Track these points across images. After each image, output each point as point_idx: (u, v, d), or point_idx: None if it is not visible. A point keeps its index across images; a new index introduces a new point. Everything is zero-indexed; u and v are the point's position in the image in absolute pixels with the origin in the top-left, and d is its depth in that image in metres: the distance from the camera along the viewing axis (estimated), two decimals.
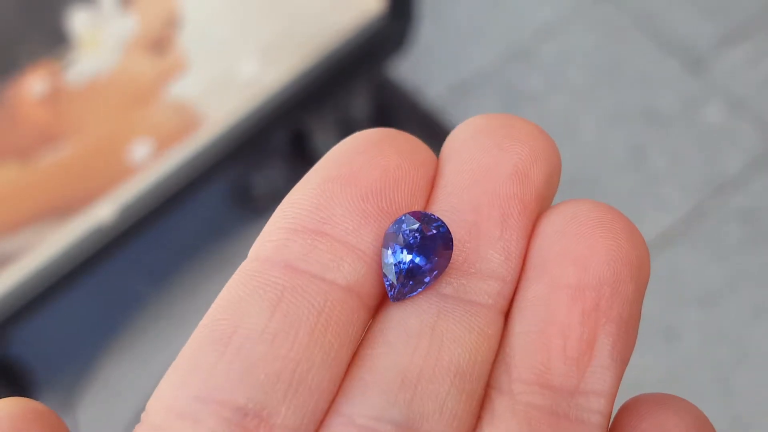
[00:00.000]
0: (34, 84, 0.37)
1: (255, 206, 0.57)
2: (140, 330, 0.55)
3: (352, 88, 0.53)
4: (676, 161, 0.61)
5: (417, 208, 0.12)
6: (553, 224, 0.12)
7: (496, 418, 0.11)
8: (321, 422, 0.11)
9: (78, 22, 0.36)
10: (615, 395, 0.12)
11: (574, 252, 0.12)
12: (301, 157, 0.57)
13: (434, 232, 0.12)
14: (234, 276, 0.12)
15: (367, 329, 0.12)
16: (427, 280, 0.12)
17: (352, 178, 0.12)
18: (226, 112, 0.46)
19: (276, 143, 0.56)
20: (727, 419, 0.52)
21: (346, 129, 0.56)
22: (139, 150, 0.43)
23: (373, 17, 0.48)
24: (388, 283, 0.12)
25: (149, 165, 0.44)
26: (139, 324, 0.56)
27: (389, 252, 0.12)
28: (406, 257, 0.12)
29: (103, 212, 0.44)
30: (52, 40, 0.36)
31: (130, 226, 0.45)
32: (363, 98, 0.55)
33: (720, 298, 0.56)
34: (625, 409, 0.12)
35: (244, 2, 0.43)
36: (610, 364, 0.11)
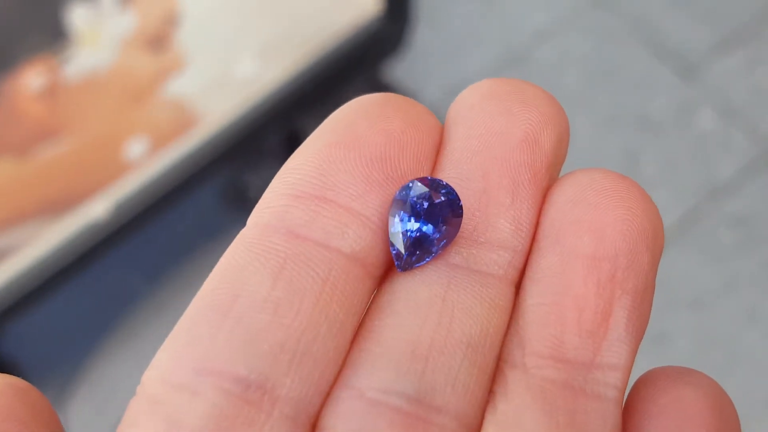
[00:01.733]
0: (31, 79, 0.37)
1: (249, 206, 0.57)
2: (134, 327, 0.55)
3: (349, 89, 0.53)
4: (669, 167, 0.61)
5: (423, 174, 0.12)
6: (565, 193, 0.12)
7: (510, 393, 0.11)
8: (327, 394, 0.11)
9: (77, 17, 0.37)
10: (630, 369, 0.11)
11: (588, 222, 0.11)
12: None
13: (443, 199, 0.11)
14: (233, 244, 0.11)
15: (373, 299, 0.11)
16: (435, 249, 0.12)
17: (355, 143, 0.12)
18: (223, 111, 0.46)
19: (271, 144, 0.56)
20: None
21: None
22: (136, 147, 0.43)
23: (370, 19, 0.48)
24: (395, 252, 0.11)
25: (145, 162, 0.44)
26: (132, 321, 0.55)
27: (396, 220, 0.11)
28: (414, 225, 0.11)
29: (98, 209, 0.44)
30: (51, 36, 0.36)
31: (125, 223, 0.45)
32: None
33: (712, 302, 0.56)
34: (642, 382, 0.12)
35: (243, 2, 0.43)
36: (625, 337, 0.11)
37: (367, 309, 0.11)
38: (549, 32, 0.67)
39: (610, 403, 0.11)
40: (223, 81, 0.45)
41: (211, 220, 0.58)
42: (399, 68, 0.63)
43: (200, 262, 0.56)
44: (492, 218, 0.12)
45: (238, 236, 0.11)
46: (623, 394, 0.11)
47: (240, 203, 0.58)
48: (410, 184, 0.12)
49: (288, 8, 0.45)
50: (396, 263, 0.11)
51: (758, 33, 0.66)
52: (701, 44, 0.66)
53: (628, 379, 0.11)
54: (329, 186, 0.11)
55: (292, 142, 0.56)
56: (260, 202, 0.12)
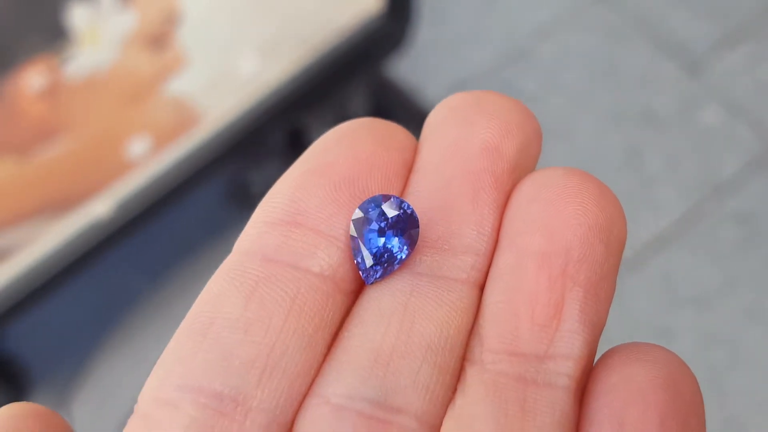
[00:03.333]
0: (32, 79, 0.37)
1: (252, 204, 0.57)
2: (136, 326, 0.55)
3: (350, 86, 0.53)
4: (672, 163, 0.61)
5: (392, 192, 0.13)
6: (524, 193, 0.12)
7: (467, 388, 0.11)
8: (300, 403, 0.11)
9: (77, 17, 0.36)
10: (588, 358, 0.12)
11: (541, 219, 0.12)
12: (299, 155, 0.57)
13: (397, 212, 0.12)
14: (217, 271, 0.12)
15: (350, 312, 0.12)
16: (397, 261, 0.12)
17: (326, 169, 0.12)
18: (224, 110, 0.46)
19: (273, 141, 0.56)
20: (720, 420, 0.52)
21: None
22: (137, 146, 0.43)
23: (372, 16, 0.48)
24: (360, 266, 0.12)
25: (146, 161, 0.44)
26: (134, 320, 0.56)
27: (357, 236, 0.12)
28: (374, 240, 0.12)
29: (99, 208, 0.44)
30: (52, 35, 0.36)
31: (127, 222, 0.45)
32: (361, 97, 0.55)
33: (715, 300, 0.56)
34: (599, 362, 0.12)
35: (244, 0, 0.43)
36: (578, 328, 0.11)
37: (343, 322, 0.12)
38: (552, 28, 0.66)
39: (561, 390, 0.11)
40: (225, 79, 0.45)
41: (213, 219, 0.58)
42: (401, 66, 0.63)
43: (202, 260, 0.56)
44: (455, 226, 0.12)
45: (222, 263, 0.12)
46: (578, 382, 0.11)
47: (242, 201, 0.58)
48: (366, 202, 0.12)
49: (289, 6, 0.45)
50: (363, 277, 0.12)
51: (763, 28, 0.66)
52: (705, 40, 0.65)
53: (584, 367, 0.11)
54: (299, 211, 0.12)
55: (294, 139, 0.56)
56: (244, 229, 0.12)
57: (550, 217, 0.12)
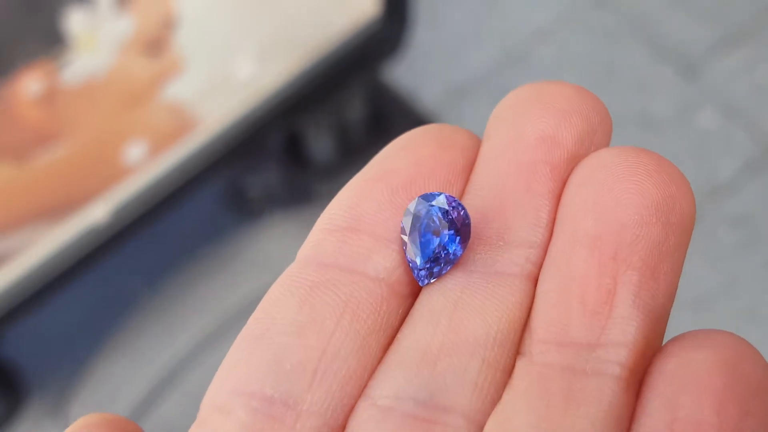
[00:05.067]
0: (29, 84, 0.37)
1: (249, 209, 0.57)
2: (133, 332, 0.55)
3: (348, 90, 0.53)
4: None
5: (453, 192, 0.12)
6: (578, 176, 0.12)
7: (515, 381, 0.11)
8: (352, 407, 0.11)
9: (74, 22, 0.36)
10: (646, 345, 0.11)
11: (593, 200, 0.11)
12: (296, 159, 0.57)
13: (449, 211, 0.12)
14: (277, 279, 0.12)
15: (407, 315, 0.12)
16: (449, 260, 0.12)
17: (385, 175, 0.12)
18: (222, 114, 0.46)
19: (271, 146, 0.56)
20: None
21: (341, 132, 0.56)
22: (134, 151, 0.43)
23: (369, 20, 0.48)
24: (413, 269, 0.12)
25: (144, 166, 0.44)
26: (132, 325, 0.55)
27: (407, 239, 0.12)
28: (425, 242, 0.12)
29: (97, 213, 0.44)
30: (49, 40, 0.36)
31: (125, 227, 0.45)
32: (358, 101, 0.55)
33: (712, 303, 0.56)
34: (660, 350, 0.11)
35: (241, 4, 0.43)
36: (632, 314, 0.11)
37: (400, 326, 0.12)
38: (549, 32, 0.67)
39: (610, 379, 0.11)
40: (222, 83, 0.45)
41: (211, 223, 0.58)
42: (399, 69, 0.63)
43: (201, 265, 0.56)
44: (510, 220, 0.12)
45: (283, 272, 0.12)
46: (631, 371, 0.11)
47: (240, 206, 0.58)
48: (415, 203, 0.12)
49: (286, 10, 0.45)
50: (416, 278, 0.12)
51: (759, 32, 0.66)
52: (702, 43, 0.66)
53: (641, 354, 0.11)
54: (357, 217, 0.12)
55: (292, 143, 0.56)
56: (305, 239, 0.13)
57: (602, 199, 0.11)
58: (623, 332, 0.11)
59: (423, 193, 0.12)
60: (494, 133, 0.13)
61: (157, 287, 0.56)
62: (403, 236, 0.12)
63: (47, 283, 0.44)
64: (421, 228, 0.12)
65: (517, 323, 0.11)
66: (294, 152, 0.57)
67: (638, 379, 0.11)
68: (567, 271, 0.11)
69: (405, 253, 0.12)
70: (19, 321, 0.45)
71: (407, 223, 0.12)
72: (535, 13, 0.67)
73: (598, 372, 0.11)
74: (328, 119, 0.54)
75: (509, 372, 0.11)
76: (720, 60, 0.65)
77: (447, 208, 0.12)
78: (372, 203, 0.12)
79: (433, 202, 0.12)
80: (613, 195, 0.11)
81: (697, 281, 0.57)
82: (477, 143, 0.13)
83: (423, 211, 0.12)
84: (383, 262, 0.12)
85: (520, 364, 0.11)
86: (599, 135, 0.12)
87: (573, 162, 0.12)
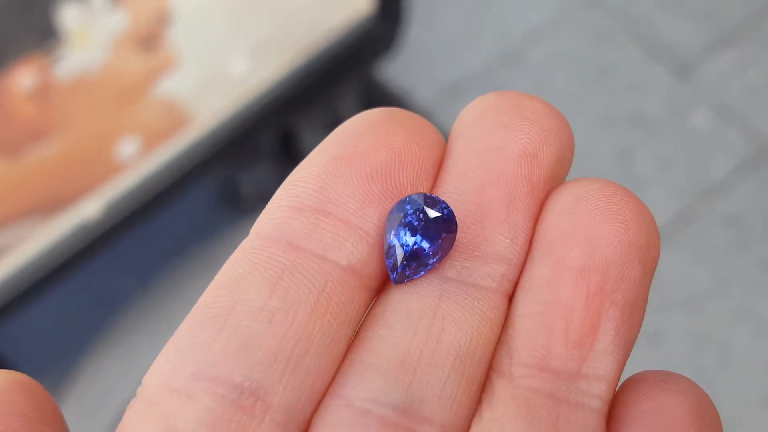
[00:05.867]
0: (22, 79, 0.37)
1: (242, 206, 0.57)
2: (126, 328, 0.55)
3: (341, 88, 0.53)
4: (662, 166, 0.61)
5: (423, 190, 0.12)
6: (560, 203, 0.12)
7: (495, 402, 0.11)
8: (319, 402, 0.11)
9: (68, 17, 0.36)
10: (617, 380, 0.11)
11: (581, 232, 0.11)
12: (289, 157, 0.57)
13: (438, 214, 0.12)
14: (234, 253, 0.11)
15: (369, 311, 0.12)
16: (430, 263, 0.12)
17: (357, 158, 0.12)
18: (215, 111, 0.46)
19: (264, 143, 0.56)
20: None
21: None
22: (127, 147, 0.43)
23: (362, 18, 0.48)
24: (390, 265, 0.12)
25: (137, 162, 0.44)
26: (124, 322, 0.55)
27: (392, 234, 0.12)
28: (410, 240, 0.12)
29: (89, 209, 0.44)
30: (42, 35, 0.36)
31: (117, 224, 0.45)
32: (351, 99, 0.55)
33: (705, 302, 0.56)
34: (626, 387, 0.12)
35: (235, 1, 0.43)
36: (612, 349, 0.11)
37: (363, 320, 0.12)
38: (542, 32, 0.67)
39: (593, 413, 0.11)
40: (216, 80, 0.45)
41: (203, 220, 0.58)
42: (392, 68, 0.63)
43: (193, 262, 0.56)
44: (487, 232, 0.12)
45: (240, 246, 0.12)
46: (608, 405, 0.11)
47: (233, 203, 0.58)
48: (407, 199, 0.12)
49: (280, 7, 0.45)
50: (391, 276, 0.12)
51: (751, 32, 0.66)
52: (695, 43, 0.66)
53: (614, 389, 0.11)
54: (329, 199, 0.12)
55: (285, 141, 0.56)
56: (263, 212, 0.12)
57: (591, 232, 0.11)
58: (604, 366, 0.11)
59: (395, 185, 0.12)
60: (467, 138, 0.12)
61: (149, 284, 0.56)
62: (386, 231, 0.12)
63: (39, 279, 0.44)
64: (407, 228, 0.12)
65: (494, 339, 0.11)
66: (287, 150, 0.57)
67: (608, 412, 0.11)
68: (552, 297, 0.11)
69: (382, 248, 0.12)
70: (10, 317, 0.45)
71: (393, 219, 0.12)
72: (529, 13, 0.68)
73: (581, 404, 0.11)
74: (321, 117, 0.54)
75: (482, 387, 0.11)
76: (713, 60, 0.65)
77: (437, 213, 0.12)
78: (345, 188, 0.12)
79: (424, 204, 0.12)
80: (602, 230, 0.11)
81: (690, 281, 0.57)
82: (443, 141, 0.13)
83: (412, 211, 0.12)
84: (356, 253, 0.11)
85: (501, 384, 0.11)
86: (567, 158, 0.13)
87: (549, 183, 0.12)
